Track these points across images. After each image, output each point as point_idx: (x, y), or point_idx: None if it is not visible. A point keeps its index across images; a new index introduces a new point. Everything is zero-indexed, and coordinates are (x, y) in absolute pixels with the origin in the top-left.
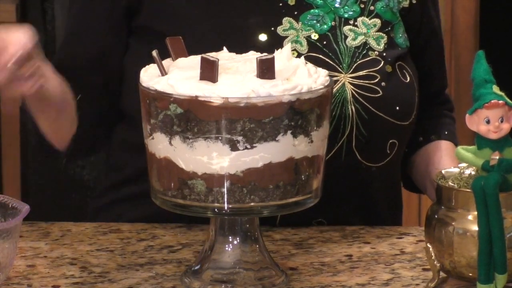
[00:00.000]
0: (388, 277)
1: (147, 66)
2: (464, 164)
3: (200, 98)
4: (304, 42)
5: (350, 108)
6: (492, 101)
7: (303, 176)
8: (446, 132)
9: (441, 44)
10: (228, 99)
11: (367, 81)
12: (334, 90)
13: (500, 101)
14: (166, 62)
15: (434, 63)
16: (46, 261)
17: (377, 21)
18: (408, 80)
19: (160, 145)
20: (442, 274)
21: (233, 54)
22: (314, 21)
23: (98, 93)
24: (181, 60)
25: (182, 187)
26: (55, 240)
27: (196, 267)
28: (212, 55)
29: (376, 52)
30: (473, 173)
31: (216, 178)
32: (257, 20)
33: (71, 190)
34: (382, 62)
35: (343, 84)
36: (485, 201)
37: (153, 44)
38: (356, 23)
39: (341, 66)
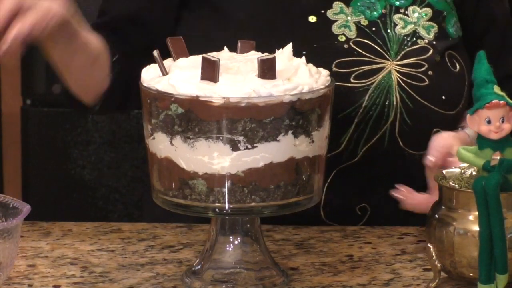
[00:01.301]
0: (389, 277)
1: (148, 66)
2: (465, 164)
3: (201, 98)
4: (353, 27)
5: (395, 96)
6: (493, 101)
7: (304, 176)
8: None
9: (502, 32)
10: (229, 99)
11: (414, 69)
12: (380, 76)
13: (501, 101)
14: (167, 62)
15: (493, 52)
16: (47, 261)
17: (428, 11)
18: (458, 69)
19: (161, 145)
20: (443, 274)
21: (234, 54)
22: (365, 8)
23: (138, 53)
24: (182, 60)
25: (183, 187)
26: (56, 240)
27: (197, 267)
28: (213, 55)
29: (425, 40)
30: (474, 173)
31: (217, 178)
32: (309, 1)
33: (72, 190)
34: (431, 51)
35: (389, 72)
36: (486, 201)
37: (204, 18)
38: (406, 11)
39: (388, 53)
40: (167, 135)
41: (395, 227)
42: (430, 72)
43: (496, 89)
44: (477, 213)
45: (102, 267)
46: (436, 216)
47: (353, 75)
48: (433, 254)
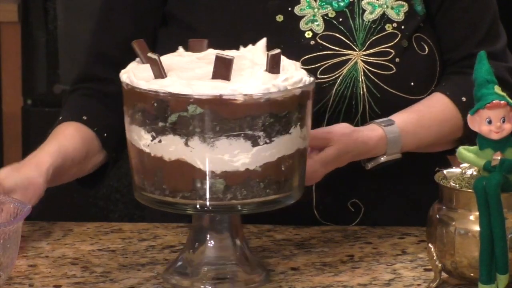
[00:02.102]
0: (389, 277)
1: (126, 70)
2: (466, 164)
3: (224, 97)
4: (321, 21)
5: (361, 87)
6: (494, 101)
7: (303, 167)
8: (444, 84)
9: (468, 4)
10: (252, 96)
11: (380, 58)
12: (346, 69)
13: (502, 102)
14: (133, 65)
15: (459, 28)
16: (48, 261)
17: None
18: (427, 51)
19: (172, 147)
20: (443, 274)
21: (218, 51)
22: None
23: None
24: (168, 60)
25: (197, 188)
26: (56, 240)
27: (178, 264)
28: (223, 53)
29: (394, 24)
30: (474, 173)
31: (237, 175)
32: (275, 2)
33: (72, 190)
34: (399, 36)
35: (355, 63)
36: (487, 201)
37: (177, 36)
38: None
39: (355, 43)
40: (181, 137)
41: (395, 227)
42: (397, 60)
43: (497, 89)
44: (477, 213)
45: (103, 267)
46: (437, 216)
47: (319, 70)
48: (434, 254)
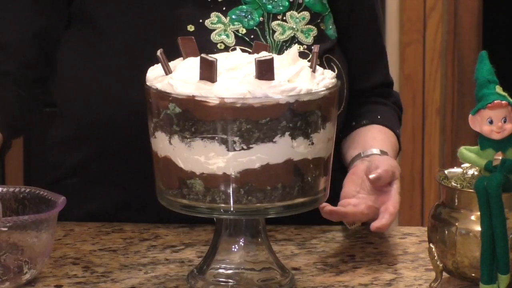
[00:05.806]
0: (391, 277)
1: (155, 65)
2: (467, 164)
3: (197, 98)
4: (232, 36)
5: None
6: (495, 101)
7: (304, 178)
8: (379, 116)
9: (375, 39)
10: (224, 100)
11: None
12: None
13: (503, 102)
14: (175, 62)
15: (367, 57)
16: (49, 261)
17: (306, 14)
18: (336, 72)
19: (161, 144)
20: (445, 274)
21: (245, 55)
22: (242, 17)
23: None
24: (190, 60)
25: (182, 187)
26: (58, 239)
27: (201, 268)
28: (212, 55)
29: (304, 45)
30: (476, 173)
31: (214, 178)
32: (186, 11)
33: None
34: (310, 56)
35: None
36: (488, 201)
37: (81, 38)
38: (284, 17)
39: None
40: (166, 134)
41: (397, 227)
42: None
43: (498, 89)
44: (479, 213)
45: (104, 267)
46: (438, 216)
47: None
48: (435, 254)
